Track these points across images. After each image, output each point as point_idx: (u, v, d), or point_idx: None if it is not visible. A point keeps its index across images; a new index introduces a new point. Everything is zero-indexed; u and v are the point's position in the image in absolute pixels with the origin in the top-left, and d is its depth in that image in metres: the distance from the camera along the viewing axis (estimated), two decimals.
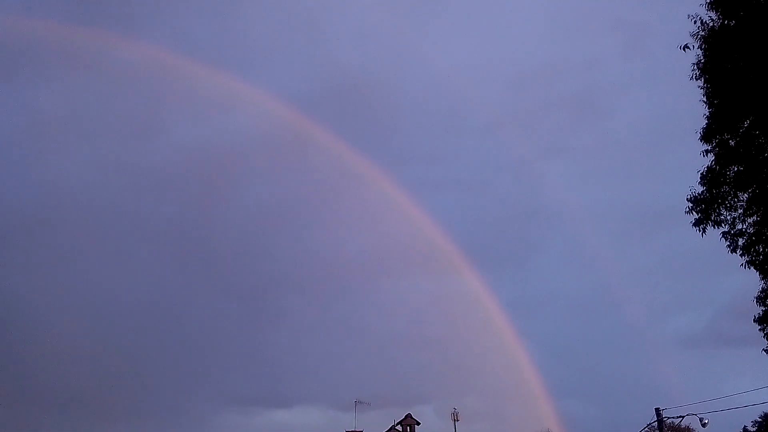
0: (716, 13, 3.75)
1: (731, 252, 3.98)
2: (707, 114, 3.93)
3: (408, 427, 10.30)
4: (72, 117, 7.74)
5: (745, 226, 3.87)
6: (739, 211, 3.86)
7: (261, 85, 8.16)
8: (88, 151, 7.80)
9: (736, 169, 3.86)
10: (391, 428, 10.04)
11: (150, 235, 8.47)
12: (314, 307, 8.87)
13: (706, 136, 3.94)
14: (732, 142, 3.89)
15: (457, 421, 10.01)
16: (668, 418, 6.45)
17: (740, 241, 3.89)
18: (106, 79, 7.78)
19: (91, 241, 8.28)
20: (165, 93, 8.03)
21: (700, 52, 3.80)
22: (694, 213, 4.06)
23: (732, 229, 3.98)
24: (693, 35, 3.82)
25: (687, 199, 4.05)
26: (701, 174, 3.98)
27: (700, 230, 4.02)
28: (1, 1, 7.17)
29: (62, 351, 8.14)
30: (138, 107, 7.88)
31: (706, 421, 6.06)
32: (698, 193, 4.03)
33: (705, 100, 3.91)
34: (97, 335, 8.16)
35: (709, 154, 3.96)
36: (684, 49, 3.74)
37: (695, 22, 3.81)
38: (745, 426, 10.72)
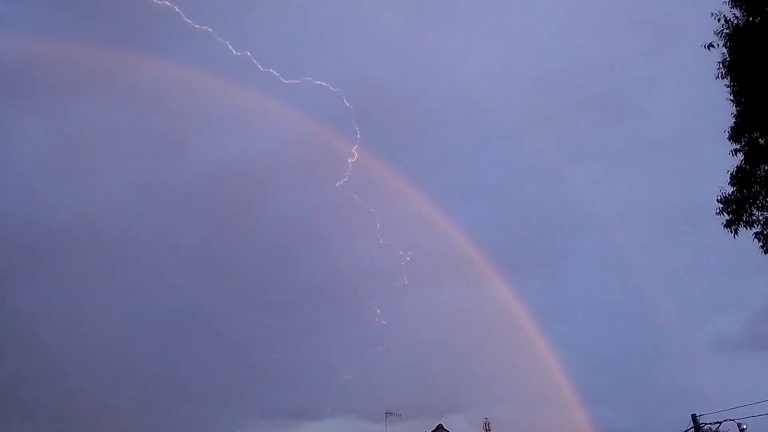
0: (740, 10, 3.79)
1: (765, 253, 3.98)
2: (735, 113, 3.95)
3: None
4: (101, 137, 7.99)
5: None
6: None
7: (287, 100, 8.33)
8: (117, 171, 8.04)
9: (766, 168, 3.87)
10: None
11: (182, 251, 8.69)
12: (345, 318, 8.99)
13: (734, 135, 3.96)
14: (762, 141, 3.91)
15: (489, 430, 10.02)
16: (705, 424, 6.39)
17: None
18: (134, 99, 8.03)
19: (124, 259, 8.52)
20: (192, 111, 8.26)
21: (725, 50, 3.83)
22: (724, 214, 4.07)
23: (765, 229, 3.98)
24: (717, 33, 3.86)
25: (717, 200, 4.05)
26: (731, 174, 3.99)
27: (731, 231, 4.03)
28: (29, 24, 7.45)
29: (97, 366, 8.37)
30: (166, 126, 8.10)
31: (745, 427, 5.99)
32: (728, 194, 4.04)
33: (732, 98, 3.93)
34: (131, 351, 8.39)
35: (738, 154, 3.98)
36: (708, 48, 3.79)
37: (719, 20, 3.85)
38: None
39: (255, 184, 8.52)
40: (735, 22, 3.64)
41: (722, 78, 3.80)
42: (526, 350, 9.79)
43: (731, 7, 3.65)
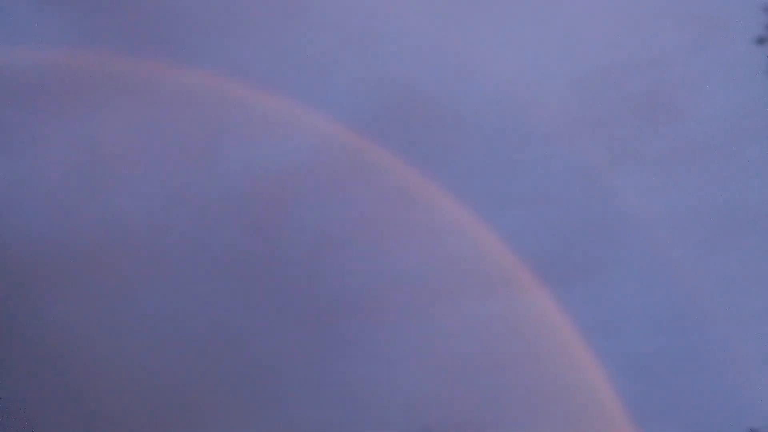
0: None
1: None
2: None
3: None
4: (129, 147, 8.09)
5: None
6: None
7: (316, 106, 8.39)
8: (146, 181, 8.15)
9: None
10: None
11: (212, 261, 8.77)
12: (380, 331, 8.94)
13: None
14: None
15: None
16: None
17: None
18: (162, 107, 8.10)
19: (154, 270, 8.61)
20: (220, 118, 8.31)
21: None
22: None
23: None
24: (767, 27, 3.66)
25: None
26: None
27: None
28: (54, 35, 7.63)
29: (126, 381, 8.47)
30: (194, 134, 8.19)
31: None
32: None
33: None
34: (160, 364, 8.47)
35: None
36: (759, 43, 3.60)
37: None
38: None
39: (285, 194, 8.54)
40: None
41: None
42: (570, 364, 9.64)
43: None
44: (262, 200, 8.02)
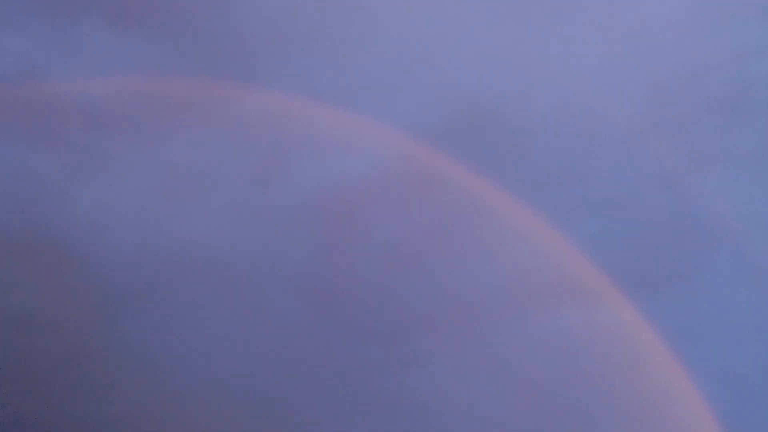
0: None
1: None
2: None
3: None
4: (199, 169, 8.60)
5: None
6: None
7: (384, 120, 8.68)
8: (217, 201, 8.62)
9: None
10: None
11: (281, 279, 9.15)
12: (454, 346, 9.12)
13: None
14: None
15: None
16: None
17: None
18: (230, 129, 8.59)
19: (226, 290, 9.06)
20: (288, 137, 8.73)
21: None
22: None
23: None
24: None
25: None
26: None
27: None
28: (131, 62, 8.22)
29: (206, 398, 8.93)
30: (262, 153, 8.63)
31: None
32: None
33: None
34: (237, 381, 8.88)
35: None
36: None
37: None
38: None
39: (355, 209, 8.86)
40: None
41: None
42: (657, 376, 9.55)
43: None
44: (333, 216, 8.44)
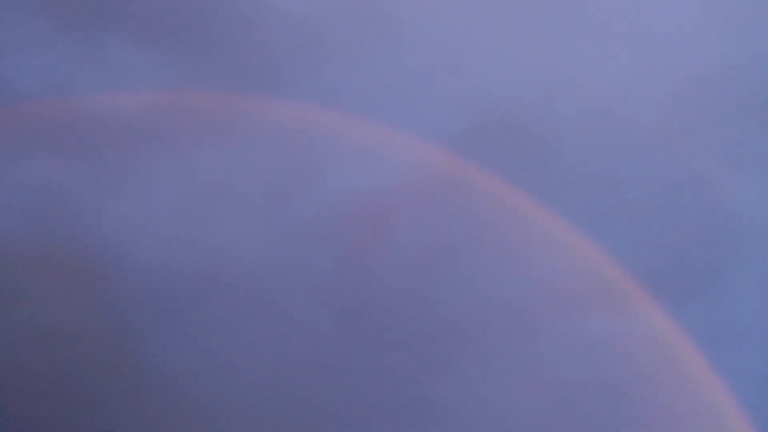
0: None
1: None
2: None
3: None
4: (228, 181, 8.74)
5: None
6: None
7: (409, 129, 8.76)
8: (245, 213, 8.76)
9: None
10: None
11: (309, 289, 9.26)
12: (483, 355, 9.14)
13: None
14: None
15: None
16: None
17: None
18: (257, 140, 8.74)
19: (253, 301, 9.18)
20: (314, 148, 8.84)
21: None
22: None
23: None
24: None
25: None
26: None
27: None
28: (152, 78, 8.39)
29: (233, 411, 9.02)
30: (287, 164, 8.75)
31: None
32: None
33: None
34: (261, 394, 8.96)
35: None
36: None
37: None
38: None
39: (382, 217, 8.94)
40: None
41: None
42: (689, 383, 9.49)
43: None
44: (360, 225, 8.56)
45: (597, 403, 9.18)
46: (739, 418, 8.95)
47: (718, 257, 11.66)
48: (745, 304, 12.02)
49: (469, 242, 9.35)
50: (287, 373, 9.12)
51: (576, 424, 9.25)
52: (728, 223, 11.12)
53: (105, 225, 8.55)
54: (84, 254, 8.51)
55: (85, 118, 8.07)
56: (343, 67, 9.07)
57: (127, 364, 8.59)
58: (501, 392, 9.33)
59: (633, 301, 9.23)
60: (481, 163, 8.84)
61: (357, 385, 9.04)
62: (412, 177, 8.87)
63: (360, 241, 8.91)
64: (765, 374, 10.67)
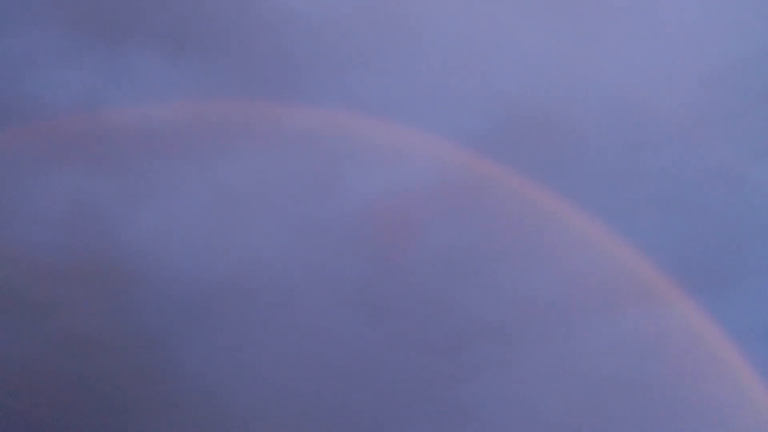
0: None
1: None
2: None
3: None
4: (255, 187, 8.85)
5: None
6: None
7: (433, 130, 8.80)
8: (273, 218, 8.85)
9: None
10: None
11: (338, 293, 9.31)
12: (516, 354, 9.13)
13: None
14: None
15: None
16: None
17: None
18: (283, 146, 8.84)
19: (284, 306, 9.27)
20: (341, 152, 8.92)
21: None
22: None
23: None
24: None
25: None
26: None
27: None
28: (178, 88, 8.52)
29: (262, 416, 9.09)
30: (316, 169, 8.84)
31: None
32: None
33: None
34: (298, 399, 9.02)
35: None
36: None
37: None
38: None
39: (409, 219, 9.00)
40: None
41: None
42: (728, 381, 9.42)
43: None
44: (387, 228, 8.62)
45: (634, 401, 9.15)
46: None
47: (750, 249, 11.56)
48: None
49: (498, 242, 9.38)
50: (318, 378, 9.18)
51: (613, 422, 9.21)
52: (759, 215, 11.02)
53: (134, 235, 8.67)
54: (114, 264, 8.63)
55: (114, 130, 8.22)
56: (366, 70, 9.15)
57: (159, 371, 8.69)
58: (536, 392, 9.33)
59: (666, 297, 9.19)
60: (507, 161, 8.86)
61: (390, 388, 9.08)
62: (438, 178, 8.93)
63: (388, 243, 8.98)
64: None
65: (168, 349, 8.86)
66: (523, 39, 10.03)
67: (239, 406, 8.97)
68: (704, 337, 8.94)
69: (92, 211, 8.48)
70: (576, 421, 9.12)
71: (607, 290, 9.46)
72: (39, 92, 8.39)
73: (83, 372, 8.59)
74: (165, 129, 8.37)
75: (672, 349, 9.09)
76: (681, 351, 8.92)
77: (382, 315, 9.36)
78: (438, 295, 9.57)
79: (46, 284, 8.44)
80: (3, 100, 8.40)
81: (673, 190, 11.49)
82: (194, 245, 8.83)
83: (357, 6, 8.69)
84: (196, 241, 8.76)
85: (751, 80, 11.50)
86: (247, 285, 8.89)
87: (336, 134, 8.73)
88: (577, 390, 9.35)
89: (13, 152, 8.01)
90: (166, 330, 8.81)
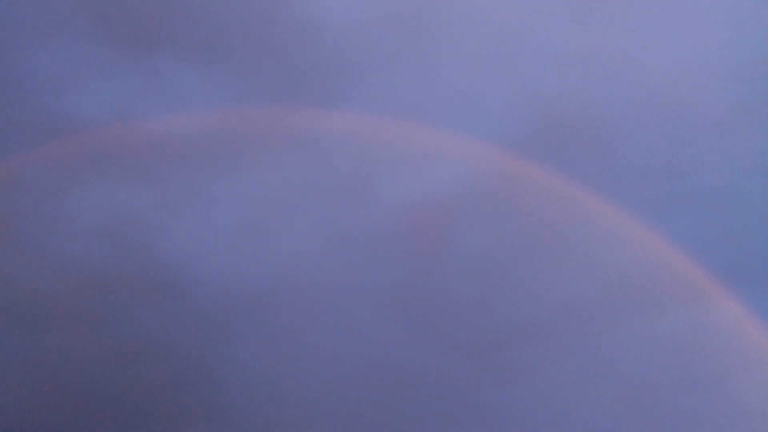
0: None
1: None
2: None
3: None
4: (289, 193, 8.96)
5: None
6: None
7: (465, 131, 8.82)
8: (306, 224, 8.95)
9: None
10: None
11: (373, 298, 9.37)
12: (555, 354, 9.11)
13: None
14: None
15: None
16: None
17: None
18: (316, 152, 8.94)
19: (319, 312, 9.35)
20: (372, 155, 8.99)
21: None
22: None
23: None
24: None
25: None
26: None
27: None
28: (215, 96, 8.67)
29: (305, 420, 9.19)
30: (349, 173, 8.92)
31: None
32: None
33: None
34: (332, 404, 9.10)
35: None
36: None
37: None
38: None
39: (445, 222, 9.03)
40: None
41: None
42: None
43: None
44: (423, 231, 8.67)
45: (676, 401, 9.08)
46: None
47: None
48: None
49: (535, 243, 9.37)
50: (355, 382, 9.26)
51: (655, 425, 9.15)
52: None
53: (174, 245, 8.83)
54: (155, 274, 8.79)
55: (150, 141, 8.39)
56: (399, 75, 9.20)
57: (202, 379, 8.81)
58: (576, 393, 9.31)
59: (707, 294, 9.10)
60: (543, 161, 8.85)
61: (429, 392, 9.14)
62: (474, 181, 8.95)
63: (424, 247, 9.03)
64: None
65: (212, 357, 8.97)
66: (555, 38, 9.99)
67: (281, 412, 9.07)
68: (749, 334, 8.84)
69: (132, 222, 8.66)
70: (617, 423, 9.08)
71: (648, 288, 9.39)
72: (77, 106, 8.58)
73: (131, 381, 8.74)
74: (201, 139, 8.50)
75: (715, 347, 9.00)
76: (725, 349, 8.84)
77: (418, 319, 9.41)
78: (474, 298, 9.59)
79: (93, 296, 8.61)
80: (43, 116, 8.61)
81: (712, 184, 11.32)
82: (232, 254, 8.96)
83: (386, 12, 8.75)
84: (233, 249, 8.89)
85: None
86: (286, 292, 9.00)
87: (369, 140, 8.79)
88: (617, 391, 9.31)
89: (55, 166, 8.22)
90: (210, 338, 8.92)
